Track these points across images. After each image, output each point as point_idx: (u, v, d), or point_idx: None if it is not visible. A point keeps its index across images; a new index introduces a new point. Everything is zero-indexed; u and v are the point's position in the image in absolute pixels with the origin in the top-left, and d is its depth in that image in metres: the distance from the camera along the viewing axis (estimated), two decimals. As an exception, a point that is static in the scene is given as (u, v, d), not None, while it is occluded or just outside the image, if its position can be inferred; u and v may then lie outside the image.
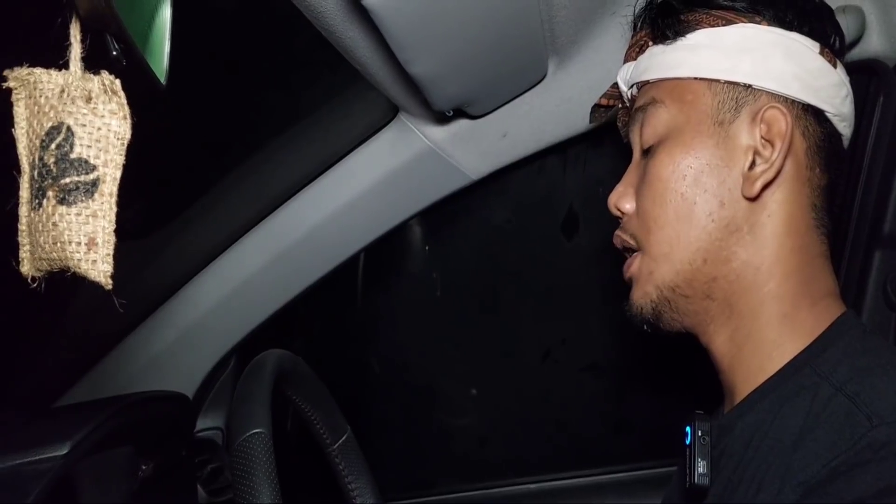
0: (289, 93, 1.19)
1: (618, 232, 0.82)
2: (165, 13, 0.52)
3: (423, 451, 1.65)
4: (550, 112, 1.10)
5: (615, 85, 0.87)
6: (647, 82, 0.80)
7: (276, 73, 1.16)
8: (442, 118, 1.09)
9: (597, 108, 0.91)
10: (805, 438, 0.63)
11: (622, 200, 0.81)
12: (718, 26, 0.74)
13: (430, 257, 1.55)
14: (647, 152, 0.79)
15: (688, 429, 0.75)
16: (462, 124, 1.11)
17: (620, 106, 0.88)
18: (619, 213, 0.82)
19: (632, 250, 0.81)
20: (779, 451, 0.65)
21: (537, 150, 1.15)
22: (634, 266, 0.79)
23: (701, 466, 0.72)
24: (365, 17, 0.72)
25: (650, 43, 0.80)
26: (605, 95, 0.90)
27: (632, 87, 0.84)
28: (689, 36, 0.75)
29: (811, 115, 0.73)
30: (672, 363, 1.49)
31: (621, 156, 1.36)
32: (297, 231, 1.21)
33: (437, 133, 1.12)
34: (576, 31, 0.98)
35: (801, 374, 0.68)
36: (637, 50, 0.82)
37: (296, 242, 1.21)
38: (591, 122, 0.94)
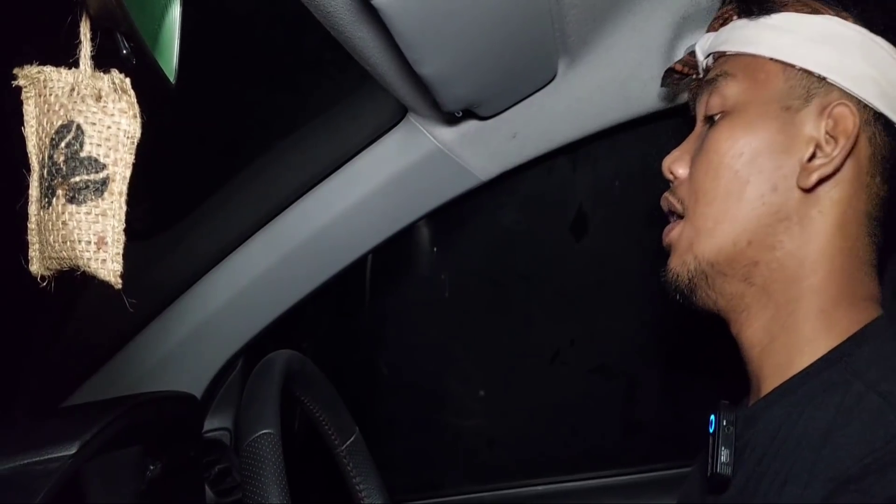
0: (297, 93, 1.19)
1: (666, 194, 0.82)
2: (175, 12, 0.52)
3: (432, 453, 1.64)
4: (560, 113, 1.09)
5: (692, 53, 0.86)
6: (723, 54, 0.79)
7: (285, 74, 1.16)
8: (451, 119, 1.09)
9: (671, 72, 0.90)
10: (835, 434, 0.63)
11: (677, 164, 0.81)
12: (804, 13, 0.73)
13: (438, 259, 1.55)
14: (711, 123, 0.78)
15: (712, 417, 0.75)
16: (471, 125, 1.11)
17: (694, 76, 0.87)
18: (671, 177, 0.82)
19: (677, 215, 0.80)
20: (807, 445, 0.65)
21: (547, 150, 1.15)
22: (675, 232, 0.79)
23: (724, 455, 0.72)
24: (374, 17, 0.72)
25: (734, 17, 0.80)
26: (680, 62, 0.89)
27: (708, 56, 0.83)
28: (773, 16, 0.74)
29: (881, 124, 0.72)
30: (682, 364, 1.49)
31: (632, 156, 1.36)
32: (306, 232, 1.21)
33: (446, 134, 1.12)
34: (586, 31, 0.98)
35: (833, 371, 0.68)
36: (721, 22, 0.82)
37: (304, 243, 1.21)
38: (661, 85, 0.92)
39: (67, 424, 0.84)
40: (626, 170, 1.36)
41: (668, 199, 0.81)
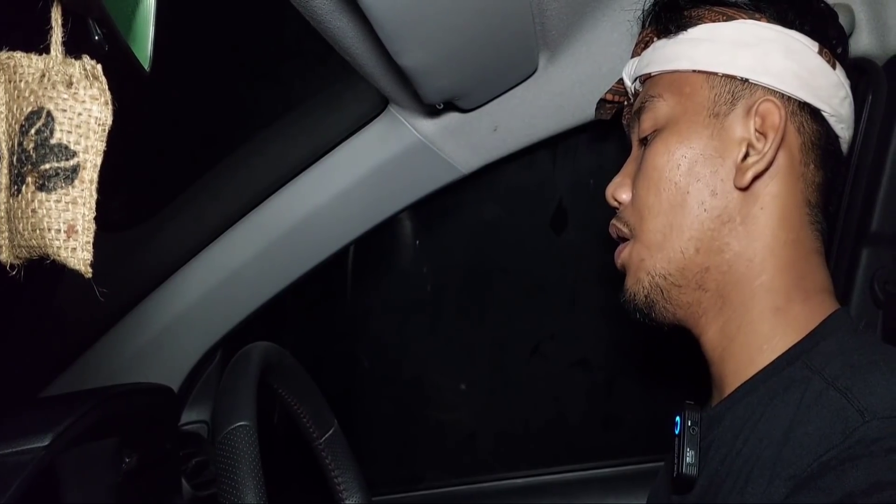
0: (276, 83, 1.18)
1: (613, 221, 0.83)
2: (150, -1, 0.51)
3: (412, 446, 1.64)
4: (541, 106, 1.10)
5: (620, 81, 0.88)
6: (649, 76, 0.81)
7: (265, 63, 1.15)
8: (432, 111, 1.09)
9: (602, 102, 0.92)
10: (795, 431, 0.63)
11: (619, 190, 0.82)
12: (720, 21, 0.75)
13: (420, 251, 1.55)
14: (645, 144, 0.80)
15: (677, 418, 0.76)
16: (453, 117, 1.11)
17: (626, 103, 0.89)
18: (616, 204, 0.83)
19: (625, 239, 0.81)
20: (768, 443, 0.65)
21: (528, 144, 1.15)
22: (625, 252, 0.80)
23: (689, 456, 0.73)
24: (355, 8, 0.72)
25: (655, 39, 0.82)
26: (610, 91, 0.91)
27: (635, 81, 0.85)
28: (690, 30, 0.77)
29: (807, 113, 0.74)
30: (661, 359, 1.49)
31: (611, 151, 1.36)
32: (285, 223, 1.20)
33: (428, 126, 1.12)
34: (567, 25, 0.98)
35: (793, 368, 0.69)
36: (642, 46, 0.84)
37: (283, 235, 1.21)
38: (595, 116, 0.94)
39: (41, 416, 0.83)
40: (606, 165, 1.36)
41: (616, 226, 0.83)
